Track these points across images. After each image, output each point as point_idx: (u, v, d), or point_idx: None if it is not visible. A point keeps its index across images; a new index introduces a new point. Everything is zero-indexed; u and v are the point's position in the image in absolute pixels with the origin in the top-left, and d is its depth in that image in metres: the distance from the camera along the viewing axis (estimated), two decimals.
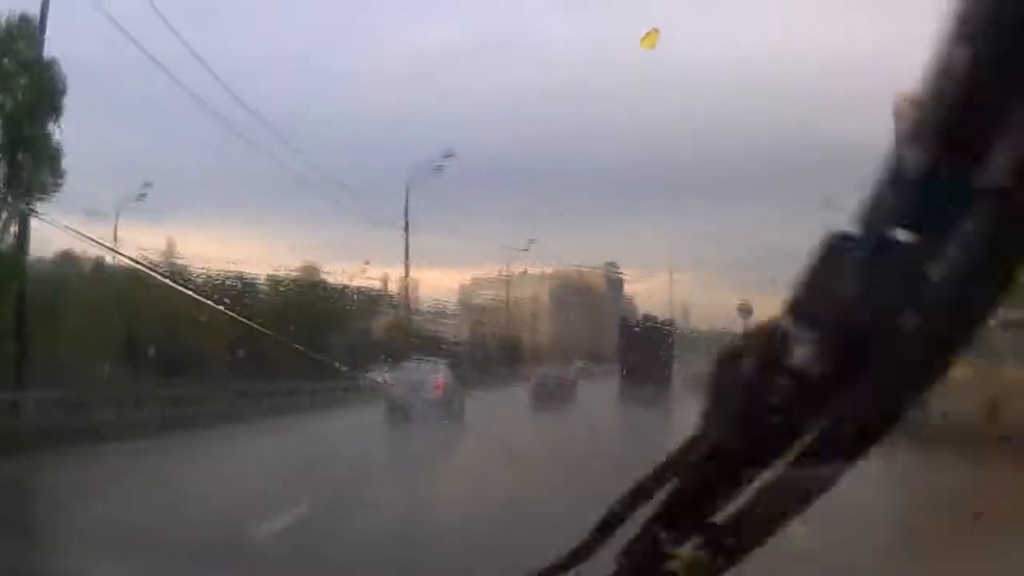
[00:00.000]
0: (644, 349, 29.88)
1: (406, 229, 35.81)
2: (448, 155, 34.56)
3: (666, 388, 29.64)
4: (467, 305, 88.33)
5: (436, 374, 23.47)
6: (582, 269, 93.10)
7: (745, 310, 28.70)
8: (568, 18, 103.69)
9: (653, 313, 36.21)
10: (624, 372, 32.05)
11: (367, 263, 34.17)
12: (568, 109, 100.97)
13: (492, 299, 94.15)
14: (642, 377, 28.77)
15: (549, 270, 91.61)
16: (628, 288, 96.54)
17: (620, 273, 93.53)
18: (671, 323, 33.39)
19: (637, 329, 33.17)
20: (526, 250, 53.81)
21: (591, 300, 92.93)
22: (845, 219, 1.29)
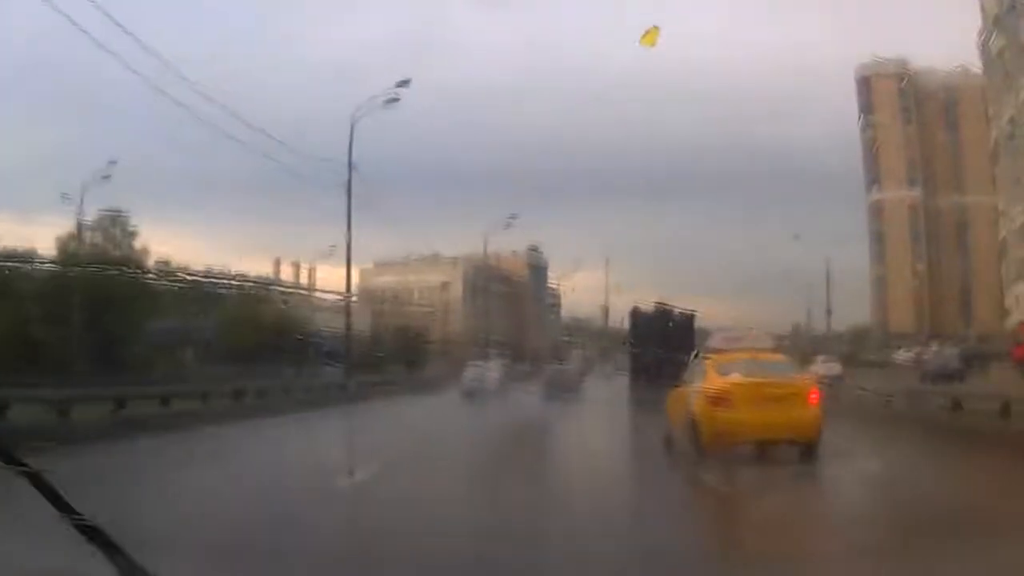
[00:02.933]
0: (660, 345, 25.01)
1: None
2: None
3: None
4: (369, 295, 77.59)
5: (493, 371, 31.13)
6: (501, 254, 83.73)
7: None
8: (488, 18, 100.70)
9: (667, 302, 30.24)
10: (635, 371, 27.57)
11: None
12: (493, 106, 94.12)
13: (396, 287, 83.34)
14: (658, 378, 23.10)
15: (462, 254, 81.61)
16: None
17: (544, 259, 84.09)
18: (692, 314, 27.46)
19: (651, 320, 27.91)
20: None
21: (512, 289, 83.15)
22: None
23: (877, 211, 62.07)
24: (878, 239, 62.17)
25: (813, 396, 11.92)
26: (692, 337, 26.27)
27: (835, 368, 35.06)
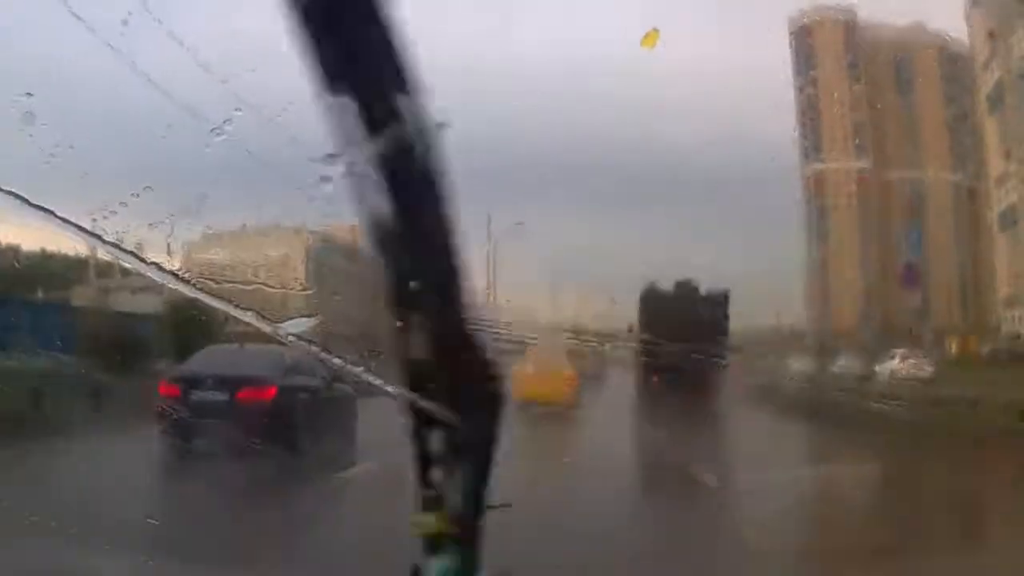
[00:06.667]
0: (683, 335, 19.94)
1: None
2: None
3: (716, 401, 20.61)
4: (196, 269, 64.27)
5: None
6: (357, 227, 69.80)
7: None
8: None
9: (691, 279, 24.19)
10: (646, 368, 21.78)
11: None
12: None
13: (229, 263, 69.75)
14: (681, 381, 19.28)
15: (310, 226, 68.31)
16: None
17: None
18: (725, 294, 23.17)
19: (671, 302, 22.44)
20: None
21: (372, 269, 69.43)
22: None
23: (818, 184, 52.04)
24: (819, 216, 52.06)
25: (570, 379, 20.09)
26: (725, 323, 22.30)
27: (923, 368, 24.38)
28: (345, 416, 11.67)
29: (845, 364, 29.06)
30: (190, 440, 10.14)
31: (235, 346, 12.25)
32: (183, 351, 27.74)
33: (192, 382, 10.83)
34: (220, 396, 10.23)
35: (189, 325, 28.69)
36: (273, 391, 10.02)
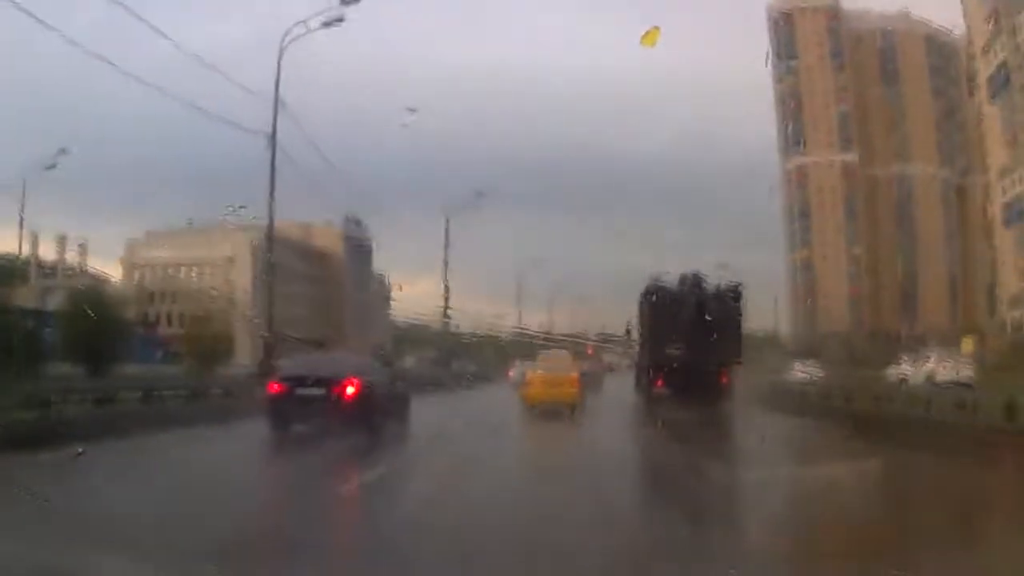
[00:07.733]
0: (691, 337, 18.92)
1: None
2: None
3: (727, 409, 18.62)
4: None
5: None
6: (311, 225, 65.82)
7: None
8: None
9: (699, 272, 20.95)
10: (652, 377, 19.88)
11: None
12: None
13: (172, 262, 67.20)
14: (691, 388, 18.31)
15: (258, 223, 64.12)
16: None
17: (367, 235, 66.25)
18: (736, 288, 20.21)
19: (677, 300, 20.00)
20: None
21: (323, 270, 65.38)
22: None
23: (800, 179, 48.98)
24: (802, 215, 48.96)
25: (575, 381, 19.23)
26: (738, 321, 20.04)
27: (962, 371, 21.84)
28: (404, 405, 15.72)
29: (862, 367, 26.25)
30: (297, 423, 13.51)
31: (323, 354, 20.07)
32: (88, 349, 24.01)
33: (297, 381, 13.77)
34: (320, 391, 13.43)
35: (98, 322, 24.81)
36: (358, 387, 13.21)
